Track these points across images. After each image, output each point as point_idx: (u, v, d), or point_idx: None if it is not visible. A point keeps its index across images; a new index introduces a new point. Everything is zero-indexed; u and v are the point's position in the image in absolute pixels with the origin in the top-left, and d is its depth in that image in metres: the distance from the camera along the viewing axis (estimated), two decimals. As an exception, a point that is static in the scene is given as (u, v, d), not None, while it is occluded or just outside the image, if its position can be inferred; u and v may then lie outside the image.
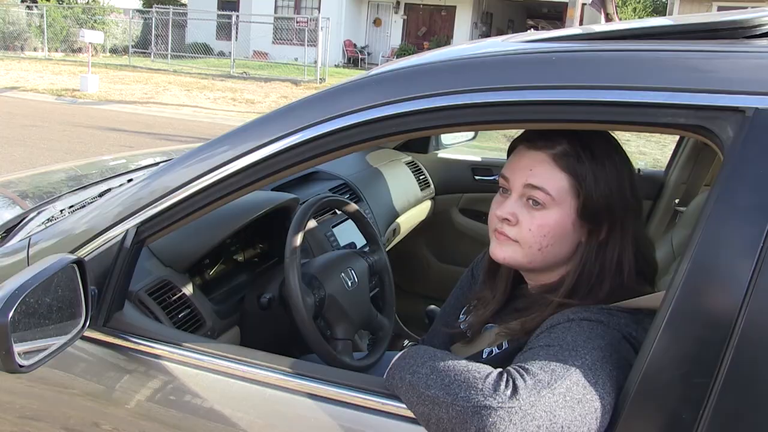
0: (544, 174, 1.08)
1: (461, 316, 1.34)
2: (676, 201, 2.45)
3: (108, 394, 1.19)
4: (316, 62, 16.28)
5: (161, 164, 1.27)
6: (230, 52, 17.94)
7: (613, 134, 1.14)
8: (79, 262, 1.13)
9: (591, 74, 0.96)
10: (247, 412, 1.10)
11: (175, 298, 1.44)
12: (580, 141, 1.08)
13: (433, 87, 1.03)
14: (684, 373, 0.85)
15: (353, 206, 1.59)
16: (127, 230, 1.20)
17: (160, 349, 1.17)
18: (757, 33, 1.01)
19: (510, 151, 1.16)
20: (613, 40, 1.08)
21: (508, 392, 0.85)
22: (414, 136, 1.11)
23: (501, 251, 1.13)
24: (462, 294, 1.42)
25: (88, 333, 1.19)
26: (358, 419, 1.03)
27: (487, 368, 0.91)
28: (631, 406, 0.87)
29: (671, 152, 2.66)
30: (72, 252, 1.22)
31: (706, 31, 1.04)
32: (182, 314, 1.43)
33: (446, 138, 2.93)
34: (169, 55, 19.48)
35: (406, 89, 1.05)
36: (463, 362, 0.93)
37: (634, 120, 0.93)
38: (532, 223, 1.09)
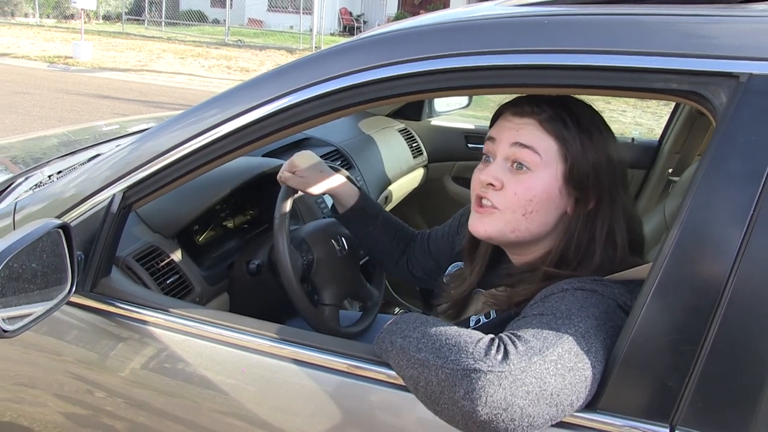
0: (532, 136, 1.07)
1: (449, 269, 1.34)
2: (670, 170, 2.44)
3: (96, 359, 1.19)
4: (311, 30, 16.11)
5: (150, 128, 1.25)
6: (225, 20, 17.70)
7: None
8: (65, 227, 1.12)
9: (583, 38, 0.94)
10: (236, 378, 1.10)
11: (163, 264, 1.44)
12: (566, 109, 1.07)
13: (422, 50, 1.01)
14: (671, 341, 0.85)
15: (344, 173, 1.58)
16: (114, 195, 1.19)
17: (146, 314, 1.16)
18: (753, -3, 0.99)
19: (496, 118, 1.14)
20: (607, 4, 1.06)
21: (499, 357, 0.84)
22: (403, 101, 1.09)
23: (481, 224, 1.11)
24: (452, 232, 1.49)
25: (75, 299, 1.18)
26: (344, 385, 1.03)
27: (479, 334, 0.90)
28: (618, 373, 0.87)
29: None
30: (58, 217, 1.21)
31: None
32: (170, 280, 1.43)
33: (440, 105, 2.90)
34: (163, 23, 19.26)
35: (396, 53, 1.03)
36: (455, 328, 0.92)
37: (626, 85, 0.92)
38: (518, 186, 1.07)
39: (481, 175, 1.11)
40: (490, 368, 0.83)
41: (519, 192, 1.07)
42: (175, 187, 1.20)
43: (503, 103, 1.14)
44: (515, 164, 1.08)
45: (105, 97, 9.39)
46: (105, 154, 1.27)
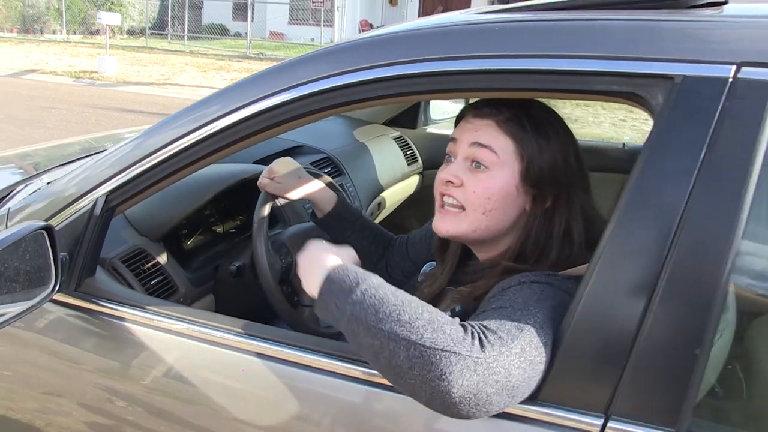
0: (490, 136, 1.11)
1: (423, 268, 1.38)
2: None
3: (76, 354, 1.25)
4: (332, 42, 16.22)
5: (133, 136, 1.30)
6: (246, 33, 17.94)
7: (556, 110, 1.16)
8: (48, 229, 1.18)
9: (528, 43, 0.98)
10: (214, 372, 1.14)
11: (148, 265, 1.49)
12: (524, 112, 1.11)
13: (384, 57, 1.06)
14: (606, 334, 0.87)
15: (327, 178, 1.63)
16: (97, 199, 1.24)
17: (127, 312, 1.22)
18: (699, 3, 1.02)
19: (458, 120, 1.19)
20: (561, 10, 1.09)
21: (476, 343, 0.86)
22: (365, 106, 1.14)
23: (443, 224, 1.16)
24: (429, 235, 1.50)
25: (60, 297, 1.24)
26: (316, 381, 1.06)
27: (446, 316, 0.90)
28: (557, 366, 0.90)
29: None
30: (47, 220, 1.26)
31: (652, 1, 1.05)
32: (154, 281, 1.49)
33: (435, 113, 2.94)
34: (185, 36, 19.51)
35: (362, 59, 1.07)
36: (416, 300, 0.91)
37: (570, 88, 0.95)
38: (477, 185, 1.11)
39: (441, 174, 1.16)
40: (468, 353, 0.84)
41: (477, 190, 1.11)
42: (156, 191, 1.25)
43: (465, 106, 1.19)
44: (474, 163, 1.12)
45: (129, 110, 9.57)
46: (90, 160, 1.33)
